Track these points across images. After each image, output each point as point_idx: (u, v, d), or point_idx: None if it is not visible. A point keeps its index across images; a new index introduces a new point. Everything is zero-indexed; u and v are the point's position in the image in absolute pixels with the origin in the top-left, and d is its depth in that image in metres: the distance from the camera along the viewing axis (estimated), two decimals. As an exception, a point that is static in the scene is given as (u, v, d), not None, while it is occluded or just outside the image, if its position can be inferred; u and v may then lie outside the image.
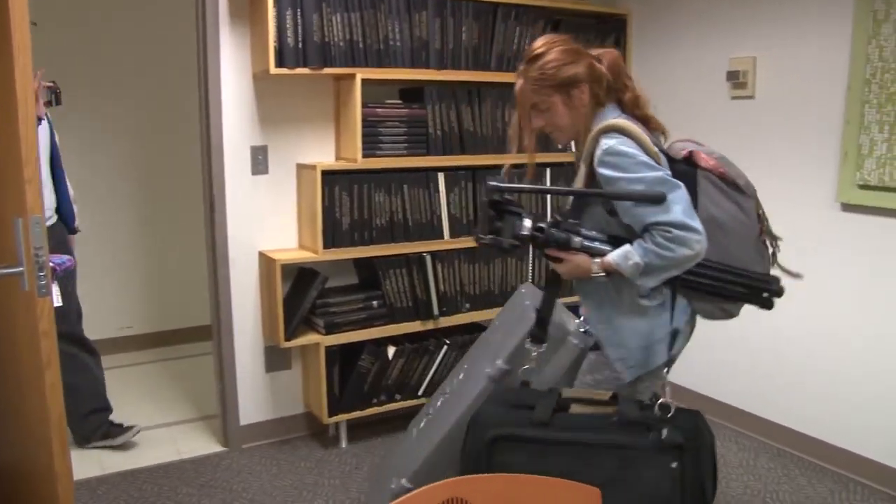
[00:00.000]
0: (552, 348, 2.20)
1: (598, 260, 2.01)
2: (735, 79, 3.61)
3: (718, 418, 3.83)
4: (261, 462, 3.44)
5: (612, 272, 2.01)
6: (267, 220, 3.51)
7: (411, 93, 3.63)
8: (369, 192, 3.43)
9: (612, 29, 4.10)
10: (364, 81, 3.34)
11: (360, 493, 3.17)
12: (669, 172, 2.00)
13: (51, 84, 2.95)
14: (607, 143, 1.99)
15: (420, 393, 3.69)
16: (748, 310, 2.18)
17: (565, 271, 2.08)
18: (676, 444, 1.84)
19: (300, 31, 3.19)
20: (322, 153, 3.58)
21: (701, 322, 2.24)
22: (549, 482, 1.20)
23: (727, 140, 3.71)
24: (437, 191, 3.60)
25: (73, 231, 3.46)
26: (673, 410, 1.89)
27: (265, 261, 3.45)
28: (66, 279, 3.34)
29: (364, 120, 3.38)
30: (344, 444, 3.61)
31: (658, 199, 1.92)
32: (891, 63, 2.97)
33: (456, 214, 3.67)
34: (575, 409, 1.97)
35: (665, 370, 2.13)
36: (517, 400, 2.01)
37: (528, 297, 2.40)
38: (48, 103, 2.96)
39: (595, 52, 2.15)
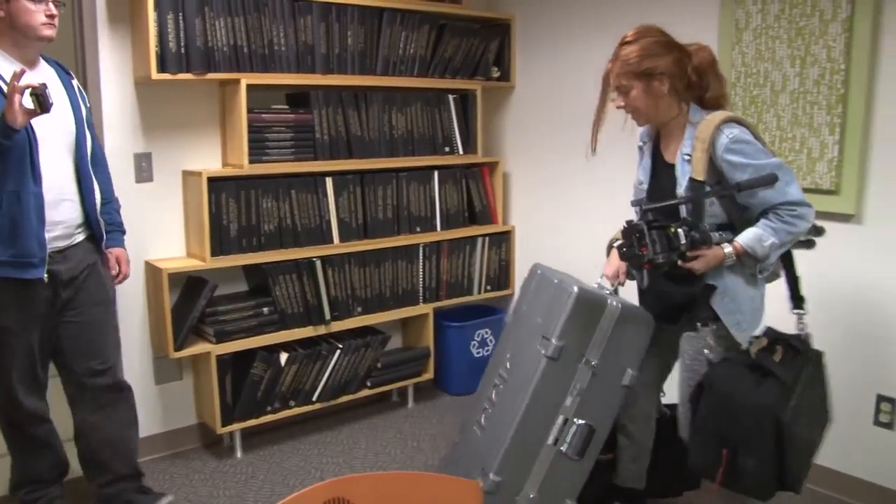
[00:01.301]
0: (594, 317, 2.36)
1: (728, 248, 2.24)
2: (614, 82, 3.74)
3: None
4: (152, 477, 3.35)
5: (743, 255, 2.24)
6: (153, 229, 3.44)
7: (298, 98, 3.62)
8: (257, 198, 3.41)
9: (496, 33, 4.19)
10: (249, 87, 3.32)
11: (255, 503, 3.14)
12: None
13: (35, 86, 2.34)
14: (731, 132, 2.22)
15: (314, 398, 3.68)
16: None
17: (703, 266, 2.25)
18: (818, 353, 2.31)
19: (182, 35, 3.14)
20: (208, 159, 3.53)
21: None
22: (428, 478, 1.23)
23: (608, 139, 3.84)
24: (326, 195, 3.60)
25: (100, 250, 2.84)
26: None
27: (152, 270, 3.38)
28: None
29: (250, 125, 3.35)
30: (239, 453, 3.57)
31: (772, 182, 2.17)
32: (752, 68, 3.15)
33: (345, 219, 3.67)
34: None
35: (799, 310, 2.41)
36: (748, 377, 2.21)
37: (554, 274, 2.53)
38: (31, 112, 2.36)
39: (691, 47, 2.35)
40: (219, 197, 3.31)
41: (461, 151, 4.11)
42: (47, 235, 2.55)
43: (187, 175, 3.43)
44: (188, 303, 3.36)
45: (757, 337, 2.31)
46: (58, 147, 2.62)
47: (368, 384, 3.88)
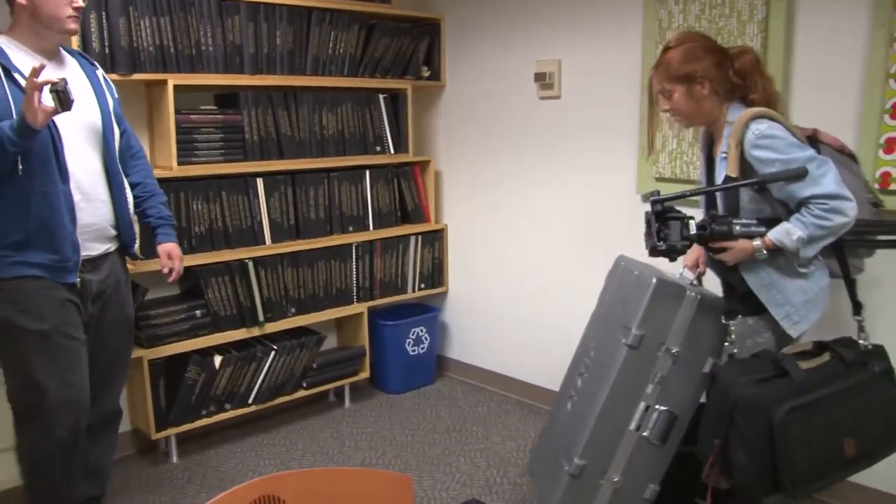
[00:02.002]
0: (674, 306, 2.39)
1: (758, 242, 2.23)
2: (542, 80, 3.80)
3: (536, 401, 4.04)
4: (84, 485, 3.30)
5: (773, 249, 2.23)
6: (79, 233, 3.37)
7: (226, 98, 3.59)
8: (187, 199, 3.37)
9: (426, 33, 4.22)
10: (177, 87, 3.28)
11: (191, 507, 3.12)
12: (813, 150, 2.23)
13: (55, 82, 2.15)
14: (758, 127, 2.22)
15: (250, 401, 3.66)
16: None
17: (730, 258, 2.29)
18: (886, 370, 2.27)
19: (106, 35, 3.09)
20: (135, 162, 3.47)
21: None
22: (359, 473, 1.24)
23: (538, 137, 3.91)
24: (257, 196, 3.58)
25: (134, 256, 2.77)
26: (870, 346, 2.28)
27: (79, 275, 3.32)
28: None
29: (178, 127, 3.31)
30: (174, 458, 3.52)
31: (801, 175, 2.15)
32: (675, 65, 3.23)
33: (277, 220, 3.66)
34: (803, 364, 2.22)
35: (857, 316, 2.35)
36: (761, 373, 2.21)
37: (635, 266, 2.59)
38: (52, 110, 2.16)
39: (734, 51, 2.38)
40: (147, 199, 3.27)
41: (392, 151, 4.13)
42: (79, 238, 2.43)
43: (114, 178, 3.37)
44: (118, 307, 3.31)
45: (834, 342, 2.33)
46: (83, 143, 2.47)
47: (304, 385, 3.87)
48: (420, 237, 4.28)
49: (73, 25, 2.40)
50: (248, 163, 3.56)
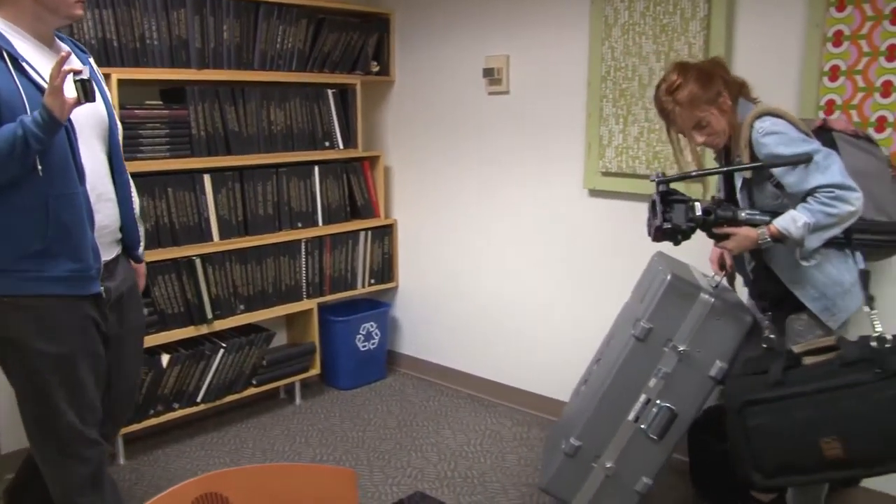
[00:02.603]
0: (685, 305, 2.44)
1: (762, 229, 2.26)
2: (491, 75, 3.82)
3: (495, 398, 4.07)
4: (27, 487, 3.24)
5: (778, 238, 2.25)
6: (20, 231, 3.30)
7: (172, 93, 3.54)
8: (132, 196, 3.32)
9: (375, 28, 4.21)
10: (121, 82, 3.22)
11: (139, 508, 3.08)
12: (819, 143, 2.25)
13: (79, 70, 2.00)
14: (762, 125, 2.27)
15: (199, 399, 3.62)
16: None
17: (734, 245, 2.31)
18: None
19: (46, 29, 3.03)
20: (78, 158, 3.41)
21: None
22: (303, 468, 1.24)
23: (487, 132, 3.93)
24: (204, 193, 3.53)
25: (138, 260, 2.58)
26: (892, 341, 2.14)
27: (20, 274, 3.25)
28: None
29: (122, 122, 3.23)
30: (122, 460, 3.47)
31: (806, 160, 2.19)
32: (621, 62, 3.27)
33: (224, 216, 3.62)
34: (807, 360, 2.21)
35: (869, 309, 2.29)
36: (756, 368, 2.26)
37: (661, 263, 2.65)
38: (75, 101, 2.00)
39: (707, 64, 2.45)
40: (91, 196, 3.21)
41: (341, 146, 4.11)
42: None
43: (56, 174, 3.31)
44: (61, 306, 3.25)
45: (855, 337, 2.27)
46: (92, 138, 2.28)
47: (254, 382, 3.84)
48: (370, 233, 4.28)
49: (79, 11, 2.20)
50: (194, 159, 3.51)
